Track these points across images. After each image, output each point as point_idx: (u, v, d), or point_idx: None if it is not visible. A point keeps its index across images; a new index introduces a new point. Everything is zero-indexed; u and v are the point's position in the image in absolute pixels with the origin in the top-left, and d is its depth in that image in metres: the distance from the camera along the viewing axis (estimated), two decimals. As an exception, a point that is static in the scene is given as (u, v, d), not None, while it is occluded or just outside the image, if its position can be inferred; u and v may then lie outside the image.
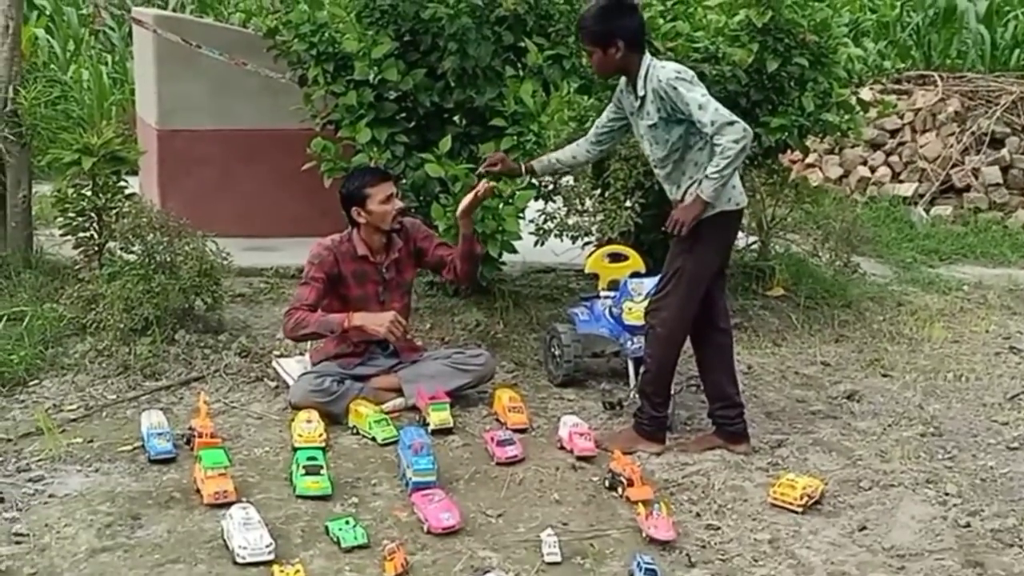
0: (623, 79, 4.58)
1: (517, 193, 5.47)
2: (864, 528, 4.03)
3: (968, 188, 9.46)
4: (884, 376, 5.73)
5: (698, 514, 4.12)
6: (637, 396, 4.83)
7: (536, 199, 5.94)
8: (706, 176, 4.31)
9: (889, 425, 5.05)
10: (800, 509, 4.10)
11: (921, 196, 9.50)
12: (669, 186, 4.59)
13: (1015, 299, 7.14)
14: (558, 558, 3.69)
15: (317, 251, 4.91)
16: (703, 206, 4.34)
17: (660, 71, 4.37)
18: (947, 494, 4.32)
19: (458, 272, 5.09)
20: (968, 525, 4.08)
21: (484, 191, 4.97)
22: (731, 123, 4.24)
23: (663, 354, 4.60)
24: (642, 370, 4.73)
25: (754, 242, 7.00)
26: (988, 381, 5.66)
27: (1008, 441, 4.88)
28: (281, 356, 5.29)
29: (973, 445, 4.84)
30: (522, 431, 4.71)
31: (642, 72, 4.42)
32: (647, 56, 4.46)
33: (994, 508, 4.21)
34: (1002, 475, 4.53)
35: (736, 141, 4.23)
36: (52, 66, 11.05)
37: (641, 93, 4.44)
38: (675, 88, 4.31)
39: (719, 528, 4.01)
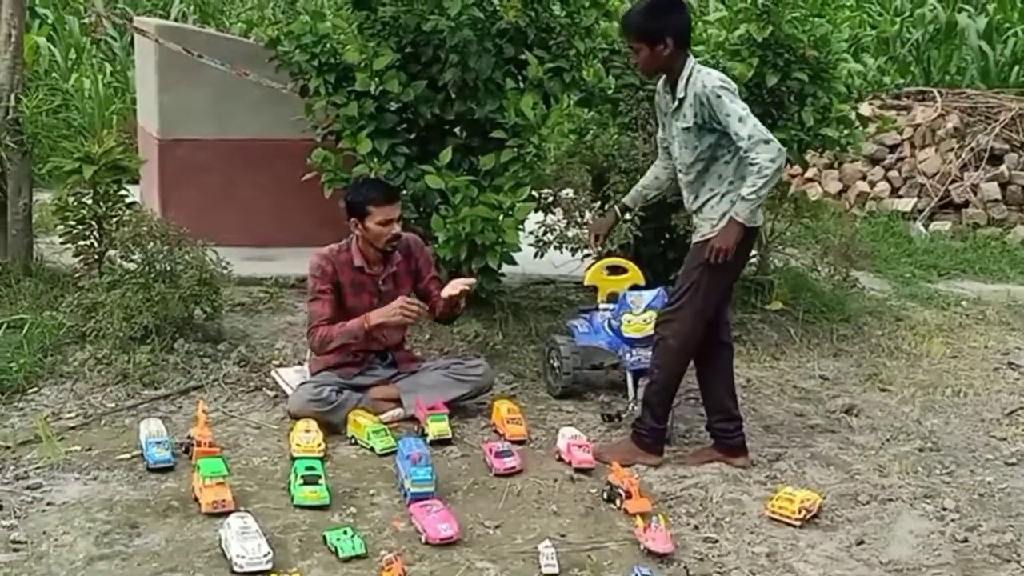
0: (661, 79, 4.53)
1: (517, 205, 5.48)
2: (862, 542, 4.03)
3: (967, 204, 9.48)
4: (882, 391, 5.74)
5: (696, 527, 4.12)
6: (637, 407, 4.83)
7: (536, 211, 5.95)
8: (742, 197, 4.26)
9: (887, 440, 5.05)
10: (798, 523, 4.10)
11: (920, 211, 9.51)
12: (688, 194, 4.56)
13: (1013, 315, 7.14)
14: (555, 570, 3.69)
15: (316, 263, 4.91)
16: (741, 229, 4.30)
17: (705, 77, 4.31)
18: (945, 509, 4.32)
19: (436, 314, 5.14)
20: (966, 540, 4.08)
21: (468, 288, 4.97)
22: (767, 141, 4.20)
23: (672, 365, 4.59)
24: (647, 381, 4.73)
25: (753, 256, 6.99)
26: (986, 396, 5.66)
27: (1006, 457, 4.89)
28: (280, 366, 5.29)
29: (971, 460, 4.84)
30: (520, 443, 4.72)
31: (684, 74, 4.36)
32: (691, 58, 4.41)
33: (992, 524, 4.21)
34: (1000, 490, 4.53)
35: (772, 160, 4.19)
36: (54, 75, 11.07)
37: (680, 95, 4.38)
38: (719, 96, 4.25)
39: (717, 541, 4.01)
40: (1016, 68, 12.21)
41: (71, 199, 5.70)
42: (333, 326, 4.83)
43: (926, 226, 9.29)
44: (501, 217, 5.48)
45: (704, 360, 4.72)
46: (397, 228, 4.91)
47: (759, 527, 4.13)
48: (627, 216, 5.06)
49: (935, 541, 4.07)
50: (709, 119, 4.31)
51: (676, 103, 4.41)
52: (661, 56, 4.35)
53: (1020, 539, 4.09)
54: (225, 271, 5.59)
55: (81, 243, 5.73)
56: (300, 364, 5.26)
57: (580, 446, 4.58)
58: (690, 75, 4.35)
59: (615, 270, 5.63)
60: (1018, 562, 3.94)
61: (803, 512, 4.13)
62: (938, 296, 7.43)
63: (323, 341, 4.83)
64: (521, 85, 5.80)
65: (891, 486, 4.51)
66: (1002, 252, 8.62)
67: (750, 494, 4.39)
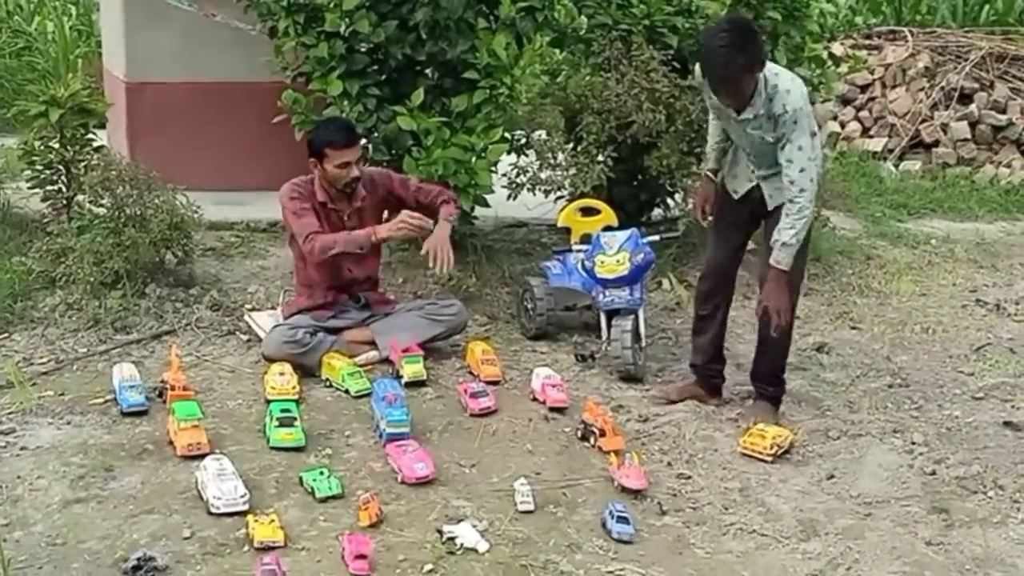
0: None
1: (489, 147, 5.45)
2: (832, 476, 4.10)
3: (937, 143, 9.51)
4: (853, 328, 5.80)
5: (669, 463, 4.17)
6: (610, 346, 4.87)
7: (509, 153, 5.93)
8: (783, 244, 4.16)
9: (857, 376, 5.11)
10: (770, 458, 4.16)
11: (890, 151, 9.54)
12: (769, 191, 4.39)
13: (982, 253, 7.22)
14: (531, 507, 3.73)
15: (289, 188, 4.91)
16: (787, 277, 4.23)
17: (788, 97, 4.10)
18: (914, 443, 4.40)
19: (441, 215, 5.03)
20: (934, 473, 4.16)
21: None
22: (812, 180, 4.12)
23: (788, 341, 4.57)
24: (771, 357, 4.57)
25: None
26: (954, 333, 5.74)
27: (973, 391, 4.97)
28: (253, 310, 5.28)
29: (939, 395, 4.92)
30: (495, 383, 4.74)
31: (760, 87, 4.14)
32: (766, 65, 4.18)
33: (959, 456, 4.29)
34: (967, 424, 4.61)
35: (810, 202, 4.13)
36: (16, 17, 10.85)
37: (759, 111, 4.15)
38: (795, 123, 4.09)
39: (690, 477, 4.06)
40: (986, 7, 12.21)
41: (37, 143, 5.62)
42: (332, 234, 4.82)
43: (896, 166, 9.33)
44: (474, 159, 5.45)
45: (723, 308, 4.68)
46: (354, 171, 4.87)
47: (731, 463, 4.18)
48: (716, 177, 4.66)
49: (904, 474, 4.14)
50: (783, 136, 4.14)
51: (752, 115, 4.18)
52: (750, 86, 4.13)
53: (986, 471, 4.16)
54: (196, 215, 5.54)
55: (49, 188, 5.66)
56: (273, 308, 5.25)
57: (554, 386, 4.61)
58: (766, 88, 4.14)
59: (588, 211, 5.63)
60: (984, 493, 4.01)
61: (775, 448, 4.18)
62: (908, 235, 7.48)
63: (324, 247, 4.77)
64: (493, 25, 5.74)
65: (861, 421, 4.57)
66: (971, 191, 8.68)
67: (722, 431, 4.44)
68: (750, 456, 4.20)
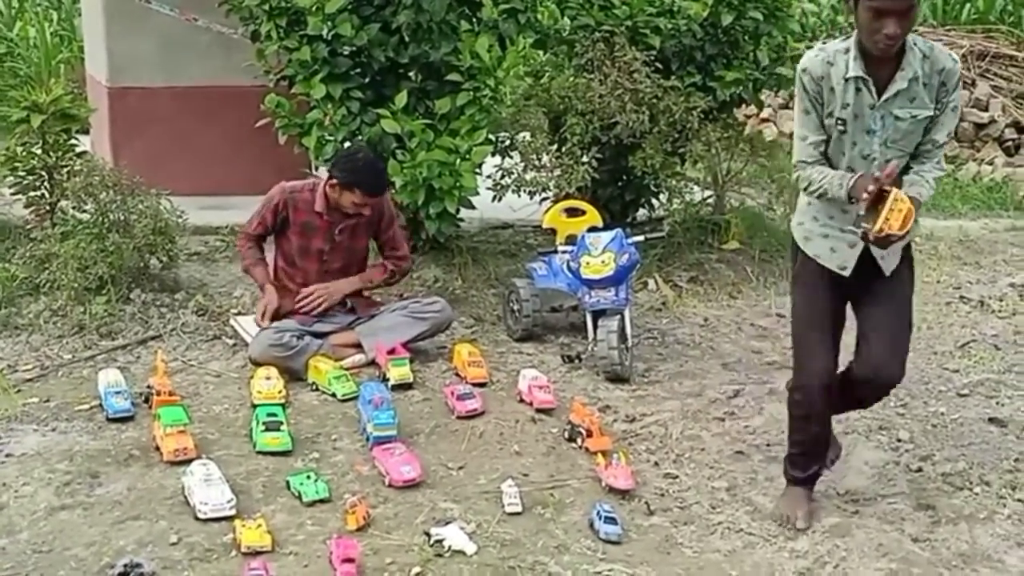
0: (821, 59, 3.56)
1: (474, 149, 5.45)
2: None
3: (920, 142, 9.55)
4: (839, 327, 5.80)
5: (656, 463, 4.17)
6: (596, 347, 4.85)
7: (493, 155, 5.93)
8: (928, 182, 3.49)
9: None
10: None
11: (874, 150, 9.57)
12: (881, 253, 3.58)
13: (965, 250, 7.24)
14: (519, 508, 3.73)
15: (273, 193, 5.01)
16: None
17: (941, 54, 3.44)
18: (899, 440, 4.41)
19: (384, 273, 5.22)
20: (920, 470, 4.17)
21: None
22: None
23: None
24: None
25: (709, 196, 7.03)
26: (939, 330, 5.75)
27: (958, 388, 4.98)
28: (238, 314, 5.26)
29: (925, 392, 4.93)
30: (482, 385, 4.74)
31: (910, 41, 3.40)
32: None
33: (945, 453, 4.31)
34: (953, 421, 4.62)
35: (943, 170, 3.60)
36: (-2, 24, 10.82)
37: (913, 74, 3.39)
38: (957, 79, 3.46)
39: (677, 477, 4.07)
40: (967, 5, 12.25)
41: (20, 149, 5.60)
42: (256, 250, 5.09)
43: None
44: (458, 161, 5.44)
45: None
46: (367, 212, 4.93)
47: (719, 462, 4.19)
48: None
49: (890, 471, 4.16)
50: (939, 104, 3.45)
51: (905, 83, 3.40)
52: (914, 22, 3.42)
53: (972, 467, 4.18)
54: (180, 220, 5.53)
55: (32, 194, 5.63)
56: (259, 312, 5.23)
57: (541, 387, 4.61)
58: (918, 46, 3.43)
59: (573, 212, 5.64)
60: (970, 489, 4.03)
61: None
62: (892, 233, 7.49)
63: (240, 252, 5.15)
64: (475, 27, 5.75)
65: (847, 419, 4.56)
66: (954, 188, 8.71)
67: (709, 431, 4.45)
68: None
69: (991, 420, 4.62)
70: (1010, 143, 9.70)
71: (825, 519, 3.79)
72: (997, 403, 4.82)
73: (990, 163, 9.32)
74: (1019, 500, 3.95)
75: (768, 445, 4.33)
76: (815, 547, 3.62)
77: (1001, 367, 5.25)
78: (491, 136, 5.78)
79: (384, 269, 5.19)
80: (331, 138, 5.55)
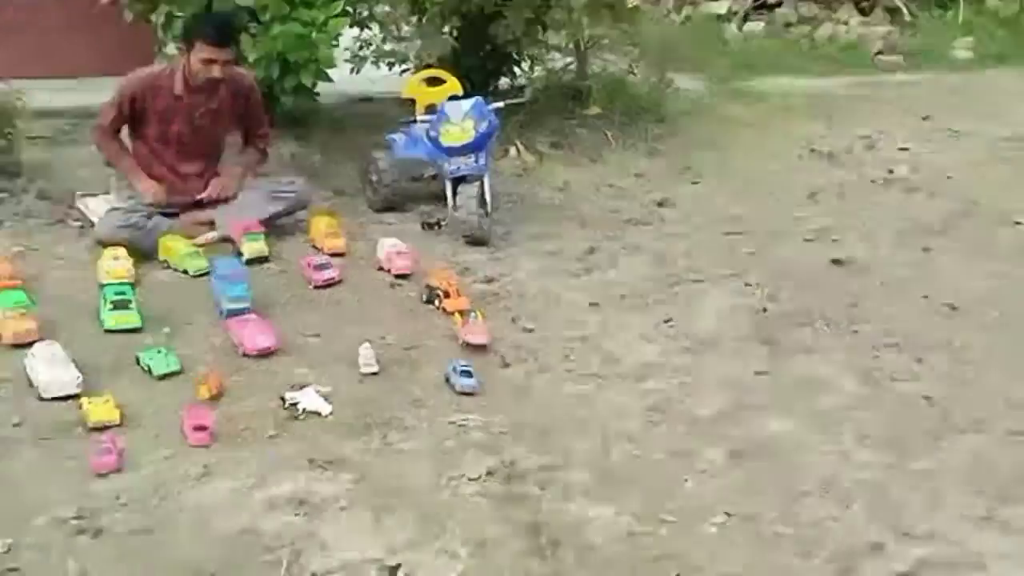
0: None
1: (330, 20, 5.29)
2: (669, 320, 4.22)
3: (780, 3, 9.66)
4: (694, 183, 5.92)
5: (513, 319, 4.22)
6: (456, 213, 4.85)
7: (351, 26, 5.78)
8: None
9: (697, 227, 5.24)
10: None
11: (734, 13, 9.65)
12: None
13: (817, 106, 7.42)
14: (375, 369, 3.74)
15: (128, 82, 4.81)
16: None
17: None
18: (748, 284, 4.55)
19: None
20: (765, 310, 4.32)
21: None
22: None
23: None
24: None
25: (571, 63, 7.01)
26: (790, 181, 5.91)
27: (804, 233, 5.14)
28: (85, 195, 5.07)
29: (774, 239, 5.08)
30: (340, 255, 4.69)
31: None
32: None
33: (789, 293, 4.46)
34: (799, 264, 4.78)
35: None
36: None
37: None
38: None
39: (533, 330, 4.13)
40: None
41: None
42: (117, 142, 4.89)
43: (740, 27, 9.45)
44: (314, 33, 5.30)
45: None
46: (216, 72, 4.72)
47: (575, 317, 4.26)
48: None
49: (737, 314, 4.29)
50: None
51: None
52: None
53: (814, 306, 4.34)
54: (19, 103, 5.27)
55: None
56: (106, 193, 5.06)
57: (399, 254, 4.59)
58: None
59: (433, 82, 5.56)
60: (812, 325, 4.19)
61: None
62: (749, 92, 7.63)
63: (98, 145, 4.96)
64: None
65: (699, 268, 4.70)
66: (810, 48, 8.87)
67: (566, 286, 4.52)
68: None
69: (834, 261, 4.79)
70: (865, 4, 9.87)
71: (674, 359, 3.90)
72: (840, 246, 4.99)
73: (845, 23, 9.48)
74: (855, 331, 4.13)
75: (622, 297, 4.41)
76: (662, 385, 3.73)
77: (846, 213, 5.42)
78: (348, 7, 5.62)
79: (261, 153, 5.09)
80: (180, 13, 5.33)
